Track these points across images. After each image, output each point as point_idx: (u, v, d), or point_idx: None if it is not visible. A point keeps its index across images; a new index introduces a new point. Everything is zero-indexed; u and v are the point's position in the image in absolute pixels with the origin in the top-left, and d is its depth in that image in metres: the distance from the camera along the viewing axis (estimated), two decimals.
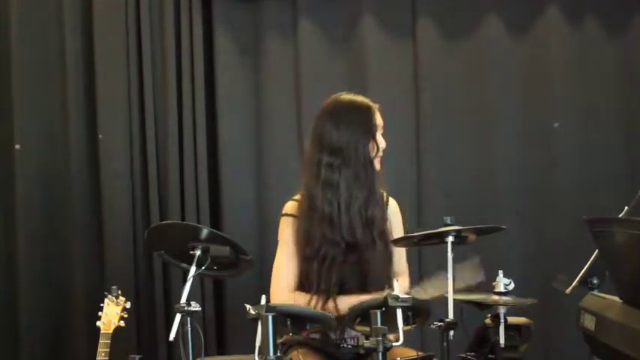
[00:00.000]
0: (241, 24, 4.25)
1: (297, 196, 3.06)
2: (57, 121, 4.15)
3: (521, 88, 4.28)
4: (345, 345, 2.97)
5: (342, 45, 4.26)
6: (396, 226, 3.13)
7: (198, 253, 2.73)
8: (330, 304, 2.92)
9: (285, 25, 4.24)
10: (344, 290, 2.96)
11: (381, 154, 3.04)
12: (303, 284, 3.01)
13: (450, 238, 2.77)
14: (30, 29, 4.13)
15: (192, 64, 4.16)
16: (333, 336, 2.96)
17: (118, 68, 4.14)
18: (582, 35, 4.28)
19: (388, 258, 3.04)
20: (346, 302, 2.88)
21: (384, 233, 3.02)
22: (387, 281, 3.01)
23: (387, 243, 3.02)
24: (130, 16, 4.13)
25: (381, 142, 3.04)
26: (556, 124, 4.25)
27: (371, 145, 3.00)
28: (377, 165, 3.03)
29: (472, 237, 2.83)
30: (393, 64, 4.27)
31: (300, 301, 2.94)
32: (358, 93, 3.12)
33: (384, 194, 3.11)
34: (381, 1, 4.24)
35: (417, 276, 4.02)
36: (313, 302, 2.93)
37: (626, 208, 3.01)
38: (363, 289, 2.96)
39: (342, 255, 2.96)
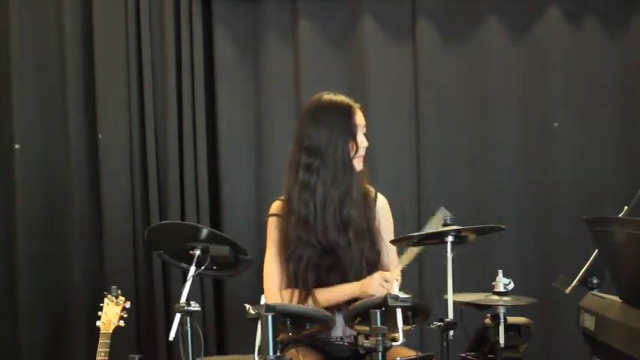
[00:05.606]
0: (241, 24, 4.24)
1: (283, 196, 3.05)
2: (57, 121, 4.15)
3: (521, 88, 4.29)
4: (342, 342, 2.98)
5: (341, 45, 4.26)
6: (386, 223, 3.10)
7: (197, 253, 2.73)
8: (310, 302, 2.91)
9: (285, 25, 4.24)
10: None
11: (362, 153, 3.01)
12: (292, 282, 3.00)
13: (450, 238, 2.77)
14: (30, 30, 4.13)
15: (192, 65, 4.15)
16: (323, 335, 2.95)
17: (118, 68, 4.14)
18: (582, 35, 4.28)
19: (372, 257, 3.00)
20: (324, 295, 2.91)
21: (362, 233, 2.99)
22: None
23: (373, 242, 3.01)
24: (130, 17, 4.13)
25: (362, 142, 3.01)
26: (556, 124, 4.26)
27: (350, 145, 2.98)
28: (357, 165, 3.01)
29: (472, 237, 2.84)
30: (392, 64, 4.27)
31: (286, 298, 2.94)
32: (341, 93, 3.08)
33: (372, 191, 3.09)
34: (381, 2, 4.24)
35: (417, 276, 4.08)
36: (295, 298, 2.92)
37: (625, 208, 3.01)
38: None
39: (318, 257, 2.96)
